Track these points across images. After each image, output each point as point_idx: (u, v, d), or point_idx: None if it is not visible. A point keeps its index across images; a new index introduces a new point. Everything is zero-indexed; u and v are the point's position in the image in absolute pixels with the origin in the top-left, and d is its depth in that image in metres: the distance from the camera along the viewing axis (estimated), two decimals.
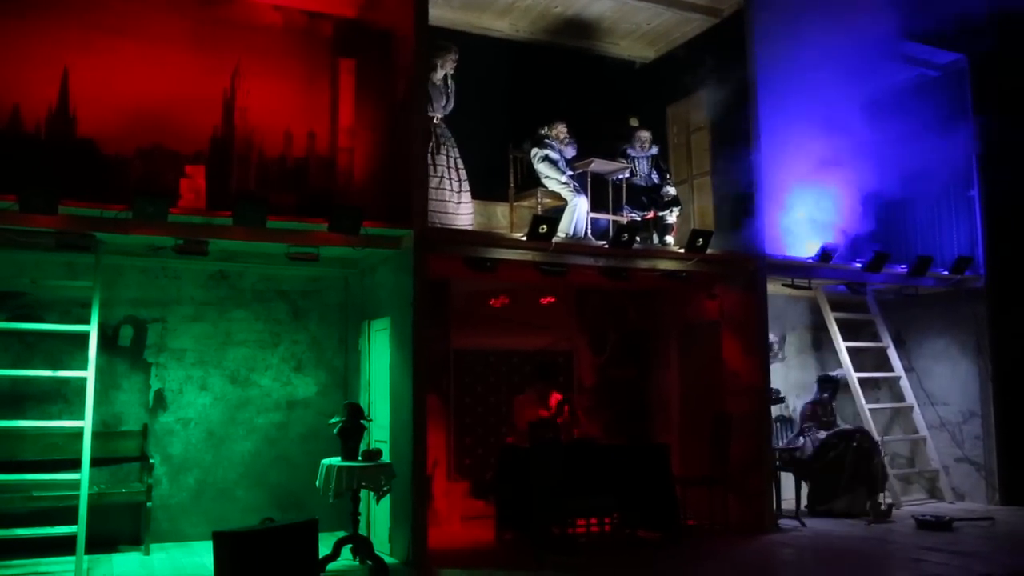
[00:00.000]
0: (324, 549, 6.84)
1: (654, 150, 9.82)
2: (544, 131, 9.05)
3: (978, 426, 10.62)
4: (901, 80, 10.81)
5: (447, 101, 8.70)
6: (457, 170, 8.61)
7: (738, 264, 9.27)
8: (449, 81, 8.72)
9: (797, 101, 9.34)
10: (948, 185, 10.73)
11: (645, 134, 9.75)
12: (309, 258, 7.62)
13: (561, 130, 9.05)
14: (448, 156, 8.60)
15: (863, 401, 10.45)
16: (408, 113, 7.80)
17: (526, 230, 8.22)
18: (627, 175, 9.54)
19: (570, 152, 9.14)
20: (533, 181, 9.06)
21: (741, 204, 9.27)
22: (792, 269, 9.60)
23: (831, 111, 9.45)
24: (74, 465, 7.02)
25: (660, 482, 8.45)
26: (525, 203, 9.26)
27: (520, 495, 8.07)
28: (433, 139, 8.51)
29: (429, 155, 8.41)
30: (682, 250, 9.05)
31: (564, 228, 8.65)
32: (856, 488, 9.60)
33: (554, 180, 8.90)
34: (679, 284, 9.41)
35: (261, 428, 8.61)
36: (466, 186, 8.64)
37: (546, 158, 8.93)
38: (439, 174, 8.48)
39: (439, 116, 8.62)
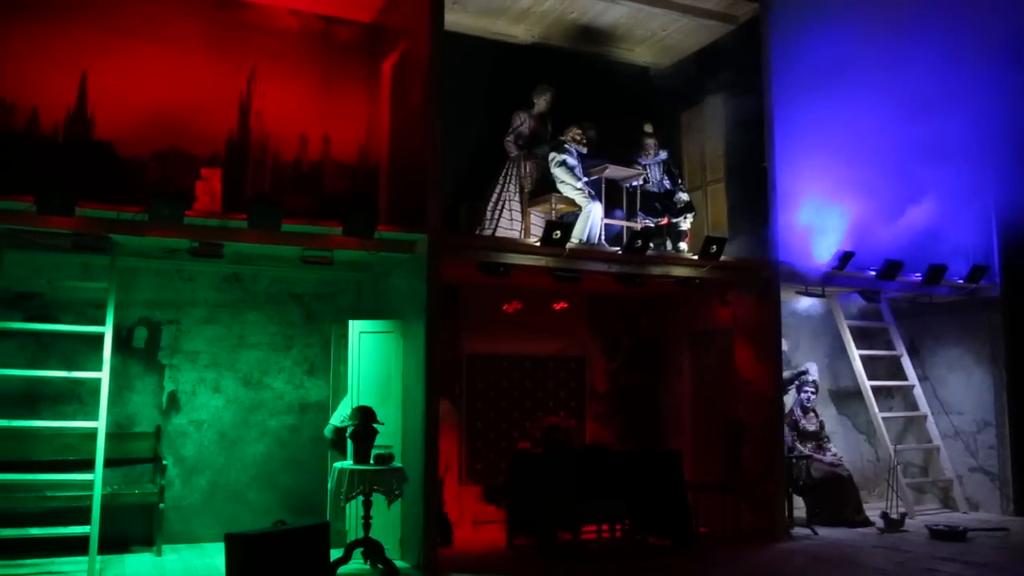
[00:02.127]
0: (335, 552, 6.86)
1: (663, 155, 9.82)
2: (562, 136, 9.07)
3: (992, 436, 10.56)
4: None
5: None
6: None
7: (752, 271, 9.25)
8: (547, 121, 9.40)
9: (812, 107, 9.31)
10: (965, 193, 10.66)
11: (650, 140, 9.76)
12: (323, 262, 7.64)
13: (577, 133, 9.07)
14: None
15: (876, 410, 10.40)
16: (423, 115, 7.81)
17: (540, 235, 8.24)
18: (640, 182, 9.54)
19: (582, 150, 9.18)
20: (547, 186, 9.06)
21: (755, 211, 9.25)
22: (806, 276, 9.57)
23: (847, 116, 9.42)
24: (87, 466, 7.06)
25: (672, 489, 8.43)
26: (539, 208, 9.26)
27: (532, 500, 8.07)
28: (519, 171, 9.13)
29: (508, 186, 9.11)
30: (696, 257, 9.04)
31: (578, 234, 8.65)
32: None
33: (570, 186, 8.90)
34: (692, 291, 9.39)
35: (273, 431, 8.63)
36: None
37: (563, 163, 8.93)
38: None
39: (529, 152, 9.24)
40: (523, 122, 9.32)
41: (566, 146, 9.02)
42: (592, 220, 8.75)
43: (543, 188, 9.16)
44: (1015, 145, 10.12)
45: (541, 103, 9.43)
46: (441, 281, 7.64)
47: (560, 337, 10.10)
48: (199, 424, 8.36)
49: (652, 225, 9.37)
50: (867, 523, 9.49)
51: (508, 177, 9.15)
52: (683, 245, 9.48)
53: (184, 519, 8.16)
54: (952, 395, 10.97)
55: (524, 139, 9.31)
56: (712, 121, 10.08)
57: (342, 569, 6.97)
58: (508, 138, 9.30)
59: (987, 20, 9.84)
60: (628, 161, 9.58)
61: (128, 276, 8.05)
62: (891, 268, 9.82)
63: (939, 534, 8.83)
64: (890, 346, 11.01)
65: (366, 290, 9.08)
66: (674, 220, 9.54)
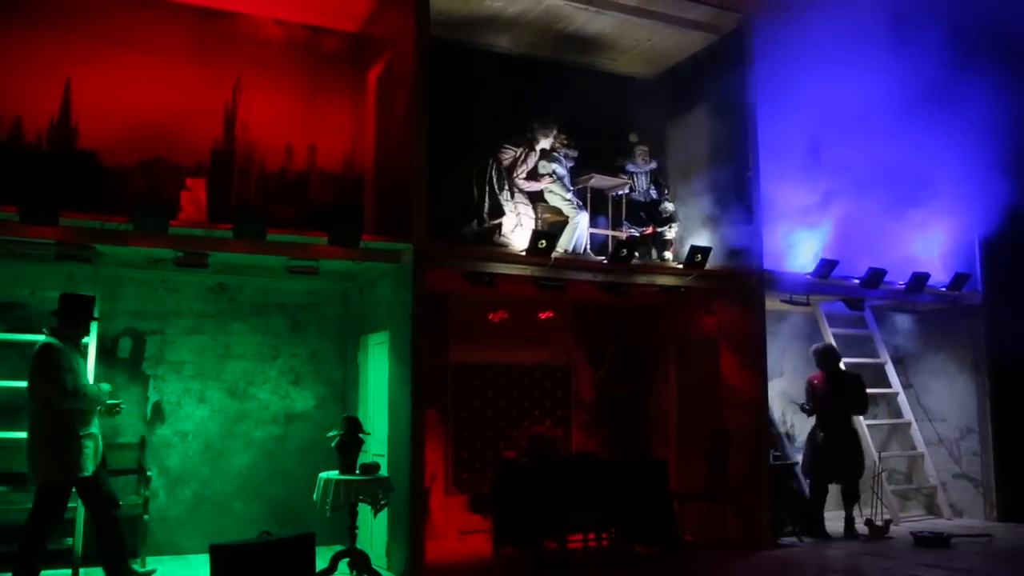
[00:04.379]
0: (321, 563, 6.84)
1: (653, 165, 9.90)
2: (554, 144, 9.07)
3: (976, 442, 10.64)
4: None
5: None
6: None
7: (736, 280, 9.29)
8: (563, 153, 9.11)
9: (796, 116, 9.38)
10: (947, 201, 10.75)
11: (643, 148, 9.84)
12: (309, 271, 7.64)
13: (563, 138, 9.08)
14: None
15: (861, 417, 10.44)
16: (408, 125, 7.82)
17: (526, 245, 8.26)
18: (626, 191, 9.58)
19: (568, 163, 9.18)
20: (533, 196, 9.06)
21: (740, 220, 9.29)
22: (790, 284, 9.62)
23: (830, 125, 9.49)
24: None
25: (658, 497, 8.44)
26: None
27: (518, 509, 8.06)
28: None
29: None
30: (680, 265, 9.09)
31: (564, 244, 8.68)
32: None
33: (558, 196, 8.93)
34: (677, 299, 9.43)
35: (259, 441, 8.59)
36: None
37: (553, 172, 8.97)
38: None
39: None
40: (524, 155, 8.88)
41: (554, 154, 9.05)
42: (579, 230, 8.79)
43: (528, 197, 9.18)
44: (997, 152, 10.22)
45: (546, 138, 9.00)
46: (426, 290, 7.65)
47: (546, 346, 10.11)
48: (184, 435, 8.32)
49: (637, 234, 9.41)
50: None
51: (491, 169, 8.76)
52: (668, 254, 9.52)
53: (169, 530, 8.10)
54: (936, 402, 11.06)
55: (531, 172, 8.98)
56: (697, 130, 10.13)
57: None
58: (519, 175, 8.87)
59: (970, 23, 9.94)
60: (614, 170, 9.63)
61: (112, 286, 8.02)
62: (875, 276, 9.88)
63: (924, 541, 8.87)
64: (874, 354, 11.07)
65: (352, 300, 9.07)
66: (659, 229, 9.59)
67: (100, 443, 6.58)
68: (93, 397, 6.44)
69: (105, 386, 6.72)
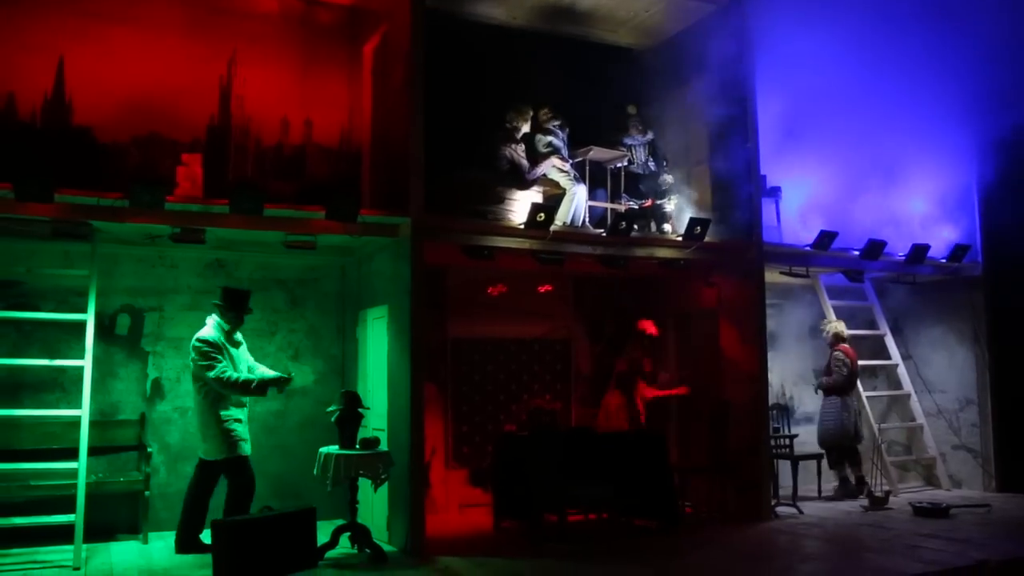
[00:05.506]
0: (322, 537, 6.86)
1: (650, 136, 9.84)
2: (545, 118, 9.02)
3: (975, 414, 10.66)
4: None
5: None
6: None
7: (736, 252, 9.26)
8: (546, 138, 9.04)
9: (795, 86, 9.31)
10: (948, 171, 10.70)
11: (636, 121, 9.81)
12: (306, 246, 7.60)
13: (544, 113, 9.05)
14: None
15: (861, 389, 10.45)
16: (405, 98, 7.76)
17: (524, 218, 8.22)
18: (625, 163, 9.53)
19: (562, 133, 9.14)
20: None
21: (739, 192, 9.24)
22: (790, 256, 9.60)
23: (829, 95, 9.42)
24: (71, 454, 7.01)
25: (657, 470, 8.46)
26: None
27: (518, 483, 8.08)
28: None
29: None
30: (680, 238, 9.05)
31: (562, 217, 8.64)
32: None
33: (555, 168, 8.89)
34: (677, 272, 9.40)
35: (259, 417, 8.57)
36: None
37: (549, 144, 8.92)
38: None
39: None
40: (512, 150, 8.86)
41: (546, 127, 9.00)
42: (576, 203, 8.75)
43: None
44: (998, 122, 10.15)
45: (526, 123, 9.00)
46: (425, 264, 7.61)
47: (545, 320, 10.10)
48: (184, 411, 8.30)
49: (636, 207, 9.38)
50: None
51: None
52: (667, 227, 9.48)
53: (170, 506, 8.10)
54: (935, 374, 11.06)
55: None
56: (695, 102, 10.03)
57: (329, 553, 6.99)
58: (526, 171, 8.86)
59: None
60: (613, 142, 9.57)
61: (109, 263, 7.99)
62: (874, 248, 9.86)
63: (923, 511, 8.91)
64: (874, 325, 11.07)
65: (350, 275, 9.05)
66: (658, 202, 9.55)
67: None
68: (245, 383, 7.10)
69: (268, 374, 7.35)
